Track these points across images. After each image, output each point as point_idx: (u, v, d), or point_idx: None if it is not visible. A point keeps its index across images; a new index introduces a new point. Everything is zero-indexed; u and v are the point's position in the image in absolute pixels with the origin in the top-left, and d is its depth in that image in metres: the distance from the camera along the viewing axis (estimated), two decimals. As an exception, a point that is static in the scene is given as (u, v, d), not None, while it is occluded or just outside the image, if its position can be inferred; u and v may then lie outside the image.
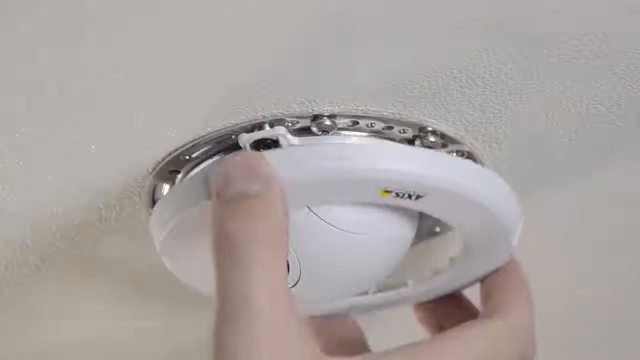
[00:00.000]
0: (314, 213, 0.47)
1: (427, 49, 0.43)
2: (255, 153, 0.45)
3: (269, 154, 0.44)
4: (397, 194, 0.45)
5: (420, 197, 0.46)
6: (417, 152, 0.46)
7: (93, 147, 0.46)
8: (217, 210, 0.44)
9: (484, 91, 0.46)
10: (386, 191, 0.45)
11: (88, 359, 0.69)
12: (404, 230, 0.50)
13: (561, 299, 0.69)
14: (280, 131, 0.46)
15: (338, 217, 0.47)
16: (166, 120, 0.46)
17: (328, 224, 0.47)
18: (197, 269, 0.50)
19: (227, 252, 0.43)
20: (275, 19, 0.40)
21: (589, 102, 0.48)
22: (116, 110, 0.44)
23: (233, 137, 0.47)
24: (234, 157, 0.44)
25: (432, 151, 0.47)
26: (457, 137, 0.49)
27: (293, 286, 0.49)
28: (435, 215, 0.48)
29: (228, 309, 0.42)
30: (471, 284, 0.55)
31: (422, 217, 0.52)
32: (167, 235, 0.48)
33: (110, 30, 0.39)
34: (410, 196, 0.46)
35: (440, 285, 0.55)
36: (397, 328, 0.65)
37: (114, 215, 0.52)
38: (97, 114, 0.44)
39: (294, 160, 0.44)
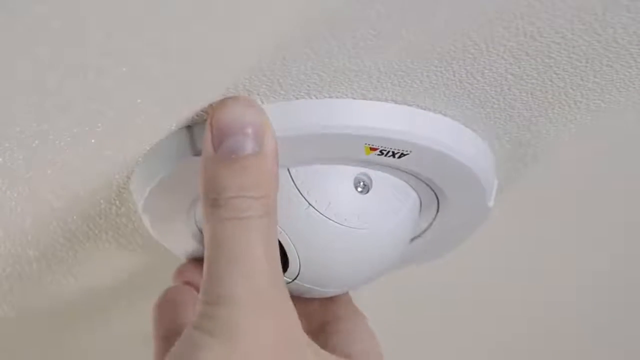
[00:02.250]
0: (314, 207, 0.47)
1: (426, 43, 0.43)
2: (246, 99, 0.45)
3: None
4: (382, 152, 0.46)
5: (404, 155, 0.47)
6: (403, 109, 0.47)
7: (93, 141, 0.46)
8: (210, 165, 0.44)
9: (483, 86, 0.46)
10: (371, 148, 0.46)
11: (86, 355, 0.69)
12: (404, 225, 0.50)
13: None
14: None
15: (337, 211, 0.47)
16: (166, 115, 0.46)
17: (327, 218, 0.47)
18: (178, 230, 0.51)
19: (221, 207, 0.44)
20: (275, 14, 0.40)
21: (589, 97, 0.48)
22: (116, 104, 0.44)
23: None
24: (227, 104, 0.45)
25: (418, 109, 0.47)
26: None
27: (293, 280, 0.49)
28: (415, 173, 0.49)
29: (226, 257, 0.43)
30: (445, 251, 0.56)
31: (421, 213, 0.52)
32: (150, 192, 0.48)
33: (111, 25, 0.39)
34: (394, 154, 0.47)
35: (415, 251, 0.56)
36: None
37: (114, 210, 0.53)
38: (98, 108, 0.44)
39: (282, 115, 0.45)
